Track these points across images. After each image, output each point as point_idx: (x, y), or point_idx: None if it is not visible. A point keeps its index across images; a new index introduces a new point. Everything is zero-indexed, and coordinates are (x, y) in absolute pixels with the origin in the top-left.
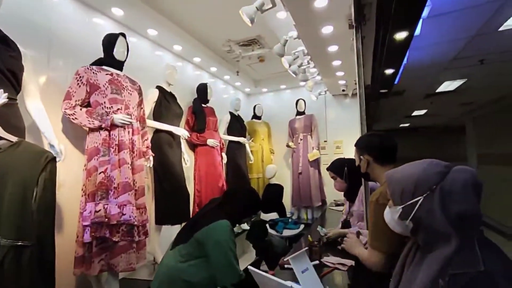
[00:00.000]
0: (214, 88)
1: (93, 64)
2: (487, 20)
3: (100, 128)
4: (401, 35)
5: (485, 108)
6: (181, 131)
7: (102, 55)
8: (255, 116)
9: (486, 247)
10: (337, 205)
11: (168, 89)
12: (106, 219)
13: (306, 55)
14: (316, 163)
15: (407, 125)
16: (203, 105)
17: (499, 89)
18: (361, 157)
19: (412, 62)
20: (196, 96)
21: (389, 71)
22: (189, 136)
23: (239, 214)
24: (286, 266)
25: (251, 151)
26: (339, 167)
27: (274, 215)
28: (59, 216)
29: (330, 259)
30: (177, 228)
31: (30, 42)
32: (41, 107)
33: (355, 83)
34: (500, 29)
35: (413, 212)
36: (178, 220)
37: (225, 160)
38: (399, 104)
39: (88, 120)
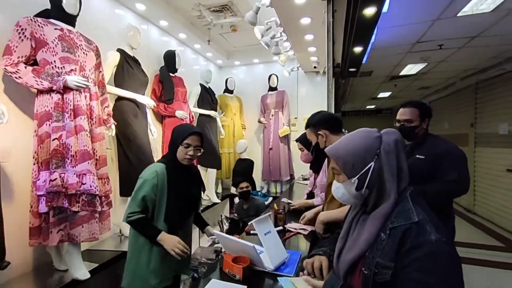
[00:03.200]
0: (183, 57)
1: (38, 15)
2: (448, 4)
3: (51, 90)
4: (370, 10)
5: (439, 92)
6: (147, 100)
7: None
8: (227, 90)
9: (415, 201)
10: (304, 179)
11: (131, 53)
12: (64, 189)
13: (279, 26)
14: (286, 139)
15: (372, 107)
16: (171, 74)
17: (451, 74)
18: (319, 133)
19: (380, 42)
20: (163, 64)
21: (358, 49)
22: (155, 106)
23: None
24: (251, 232)
25: (222, 125)
26: (307, 140)
27: None
28: (8, 185)
29: (293, 225)
30: None
31: None
32: None
33: (326, 60)
34: (458, 14)
35: (368, 179)
36: None
37: None
38: (366, 85)
39: (36, 80)
